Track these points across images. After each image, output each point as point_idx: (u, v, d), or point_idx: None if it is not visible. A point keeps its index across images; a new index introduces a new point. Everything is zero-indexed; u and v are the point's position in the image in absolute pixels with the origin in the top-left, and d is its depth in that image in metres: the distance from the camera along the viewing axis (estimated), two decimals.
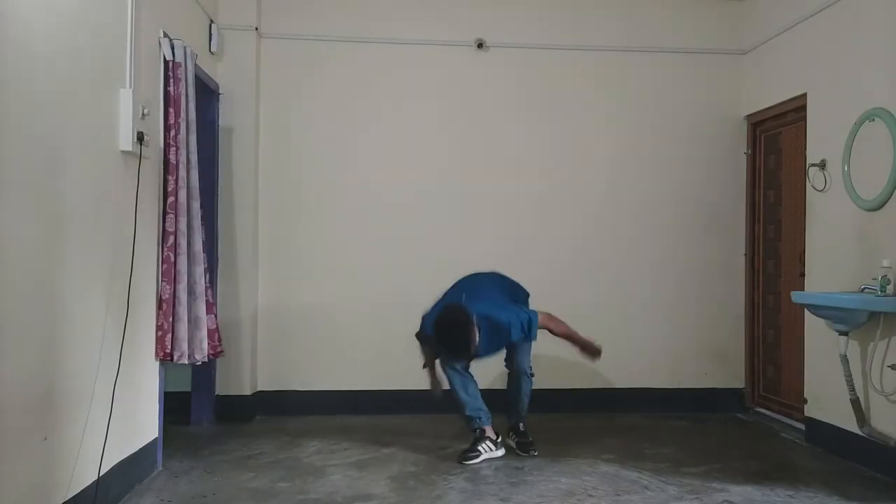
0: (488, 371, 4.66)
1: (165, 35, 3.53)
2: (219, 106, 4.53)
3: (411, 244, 4.80)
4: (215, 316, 3.92)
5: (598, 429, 4.45)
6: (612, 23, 4.96)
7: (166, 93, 3.54)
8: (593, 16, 4.96)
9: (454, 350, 3.69)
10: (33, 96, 2.39)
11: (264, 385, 4.71)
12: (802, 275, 4.30)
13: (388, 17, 4.84)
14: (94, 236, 2.85)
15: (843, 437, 3.85)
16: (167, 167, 3.51)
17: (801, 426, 4.30)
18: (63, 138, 2.60)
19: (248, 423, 4.50)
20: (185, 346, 3.55)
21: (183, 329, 3.55)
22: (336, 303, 4.77)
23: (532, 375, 4.02)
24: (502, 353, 4.01)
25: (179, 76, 3.55)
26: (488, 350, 3.82)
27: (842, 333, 3.68)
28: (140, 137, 3.13)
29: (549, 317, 3.96)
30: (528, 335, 3.82)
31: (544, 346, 4.84)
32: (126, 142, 3.05)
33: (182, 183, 3.54)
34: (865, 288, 3.62)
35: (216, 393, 4.50)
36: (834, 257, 3.99)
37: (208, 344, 3.74)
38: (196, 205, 3.67)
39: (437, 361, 4.00)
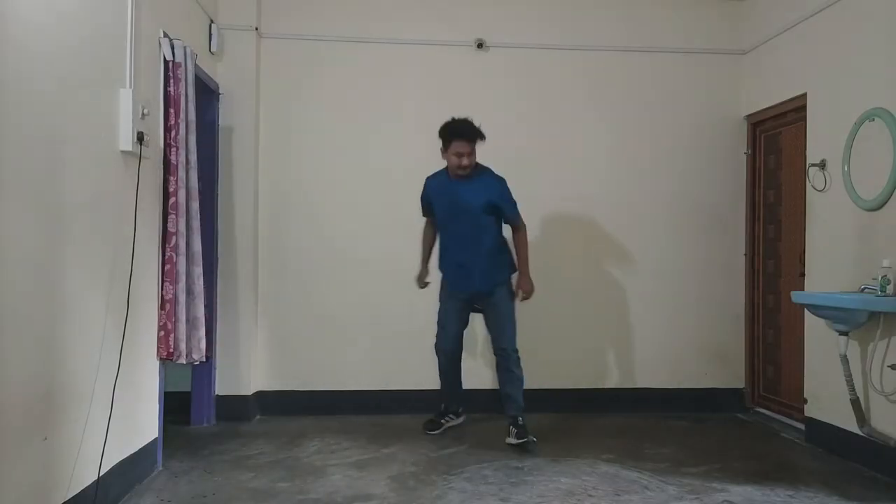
0: (485, 371, 4.68)
1: (165, 35, 3.53)
2: (219, 106, 4.53)
3: (411, 244, 4.80)
4: (211, 317, 3.92)
5: (598, 429, 4.45)
6: (612, 23, 4.96)
7: (166, 93, 3.54)
8: (593, 16, 4.96)
9: (465, 127, 3.93)
10: (33, 96, 2.40)
11: (264, 385, 4.71)
12: (802, 275, 4.30)
13: (388, 17, 4.84)
14: (94, 236, 2.86)
15: (843, 437, 3.85)
16: (168, 167, 3.51)
17: (801, 426, 4.30)
18: (63, 138, 2.60)
19: (248, 423, 4.50)
20: (183, 346, 3.56)
21: (182, 329, 3.56)
22: (336, 302, 4.77)
23: (516, 350, 4.07)
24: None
25: (179, 76, 3.55)
26: (483, 193, 3.99)
27: (842, 333, 3.68)
28: (140, 137, 3.13)
29: (524, 232, 4.17)
30: (512, 206, 4.07)
31: (544, 346, 4.86)
32: (126, 142, 3.05)
33: (182, 183, 3.54)
34: (865, 288, 3.62)
35: (216, 393, 4.50)
36: (834, 257, 3.99)
37: (205, 344, 3.75)
38: (195, 205, 3.67)
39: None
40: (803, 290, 4.23)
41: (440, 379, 4.35)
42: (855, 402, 3.66)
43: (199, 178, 3.77)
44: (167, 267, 3.50)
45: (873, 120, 3.66)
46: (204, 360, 3.74)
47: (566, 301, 4.91)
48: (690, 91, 5.00)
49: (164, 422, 3.63)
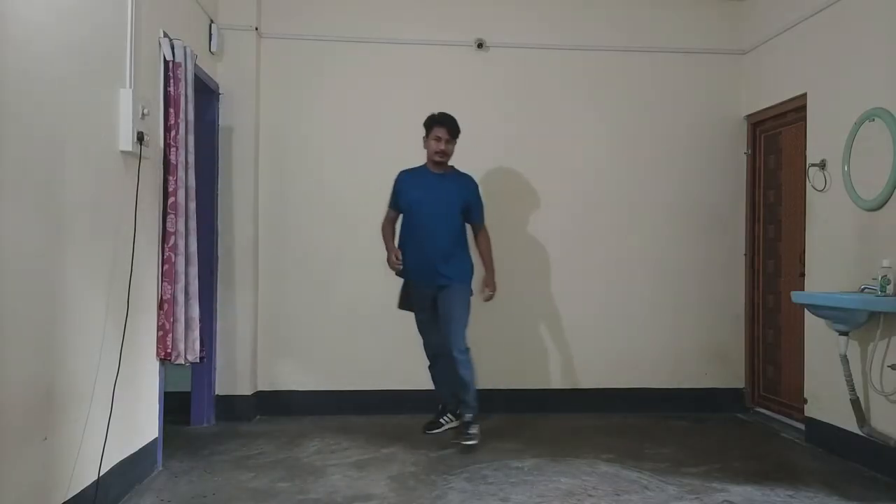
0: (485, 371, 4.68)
1: (165, 35, 3.53)
2: (219, 106, 4.53)
3: None
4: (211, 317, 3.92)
5: (598, 429, 4.45)
6: (612, 23, 4.96)
7: (166, 93, 3.54)
8: (593, 16, 4.96)
9: (446, 116, 4.09)
10: (33, 96, 2.40)
11: (264, 385, 4.71)
12: (802, 275, 4.30)
13: (388, 17, 4.84)
14: (94, 236, 2.85)
15: (843, 437, 3.85)
16: (167, 167, 3.51)
17: (801, 426, 4.30)
18: (63, 138, 2.60)
19: (248, 423, 4.50)
20: (180, 346, 3.56)
21: (180, 329, 3.56)
22: (336, 302, 4.77)
23: (468, 350, 4.04)
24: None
25: (179, 76, 3.55)
26: (463, 191, 4.14)
27: (842, 333, 3.68)
28: (140, 137, 3.13)
29: (488, 234, 4.28)
30: (482, 209, 4.24)
31: (544, 346, 4.86)
32: (126, 142, 3.05)
33: (181, 183, 3.54)
34: (865, 288, 3.62)
35: (216, 393, 4.50)
36: (834, 257, 3.99)
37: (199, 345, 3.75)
38: (193, 205, 3.67)
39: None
40: (803, 290, 4.23)
41: (433, 381, 4.37)
42: (855, 402, 3.66)
43: (199, 179, 3.77)
44: (166, 267, 3.50)
45: (873, 120, 3.66)
46: (198, 360, 3.74)
47: (565, 302, 4.91)
48: (690, 91, 5.00)
49: (164, 422, 3.63)
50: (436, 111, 4.23)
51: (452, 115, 4.15)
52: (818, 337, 4.07)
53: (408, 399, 4.67)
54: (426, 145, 4.16)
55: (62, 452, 2.61)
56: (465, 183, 4.20)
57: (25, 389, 2.38)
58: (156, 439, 3.54)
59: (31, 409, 2.41)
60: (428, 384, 4.44)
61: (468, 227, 4.25)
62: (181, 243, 3.55)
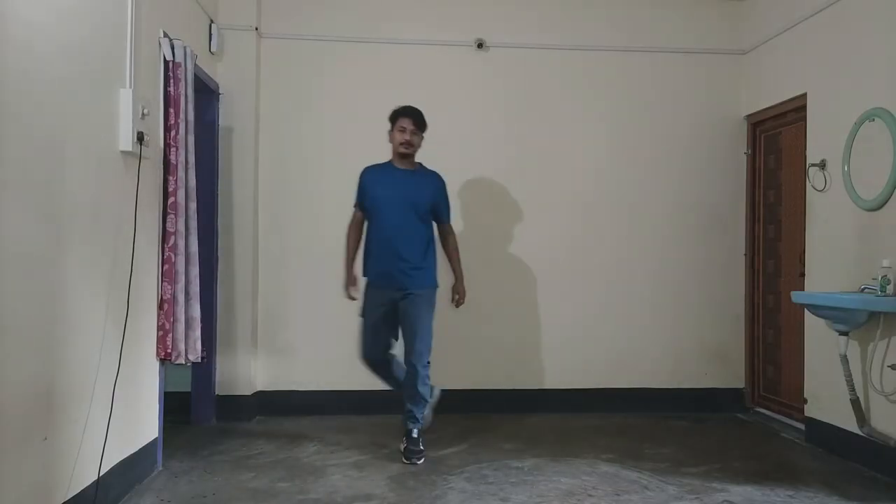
0: (482, 371, 4.68)
1: (165, 35, 3.53)
2: (219, 106, 4.53)
3: None
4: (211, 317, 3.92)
5: (598, 429, 4.45)
6: (612, 23, 4.96)
7: (166, 93, 3.54)
8: (593, 16, 4.96)
9: (411, 108, 3.96)
10: (33, 96, 2.40)
11: (264, 385, 4.71)
12: (802, 275, 4.30)
13: (387, 17, 4.84)
14: (94, 236, 2.85)
15: (843, 437, 3.85)
16: (167, 167, 3.51)
17: (801, 426, 4.30)
18: (63, 138, 2.60)
19: (248, 423, 4.50)
20: (181, 346, 3.56)
21: (180, 329, 3.56)
22: (336, 302, 4.74)
23: (428, 364, 3.82)
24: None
25: (179, 76, 3.55)
26: (431, 189, 3.96)
27: (842, 333, 3.68)
28: (140, 137, 3.13)
29: (455, 236, 4.12)
30: (448, 206, 4.05)
31: (542, 348, 4.86)
32: (126, 142, 3.05)
33: (181, 183, 3.54)
34: (865, 288, 3.62)
35: (216, 393, 4.50)
36: (834, 257, 3.99)
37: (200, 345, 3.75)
38: (193, 206, 3.67)
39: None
40: (803, 290, 4.23)
41: (388, 382, 4.06)
42: (855, 402, 3.66)
43: (199, 179, 3.77)
44: (166, 267, 3.50)
45: (873, 120, 3.66)
46: (199, 360, 3.74)
47: (565, 301, 4.91)
48: (690, 91, 5.00)
49: (164, 422, 3.63)
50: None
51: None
52: (818, 337, 4.07)
53: None
54: (391, 139, 3.97)
55: (62, 452, 2.61)
56: (433, 180, 4.00)
57: (25, 389, 2.38)
58: (156, 439, 3.54)
59: (31, 409, 2.41)
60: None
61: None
62: (181, 243, 3.55)
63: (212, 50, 4.44)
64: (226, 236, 4.55)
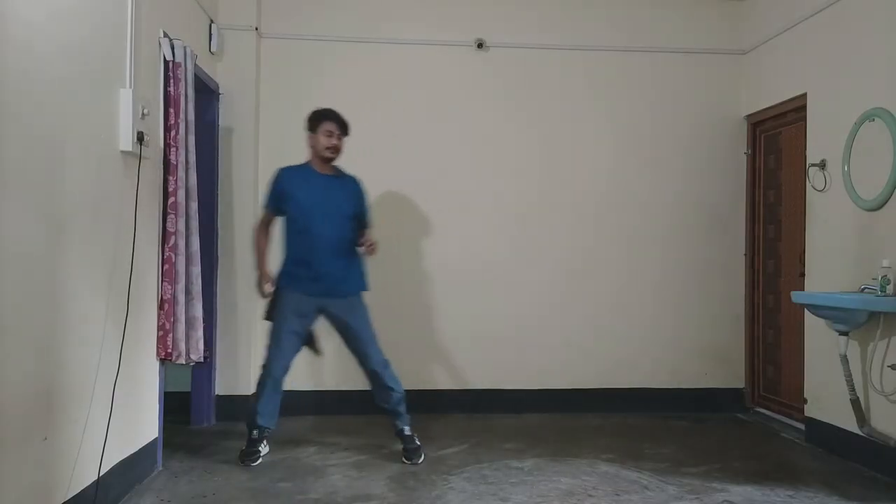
0: (481, 371, 4.67)
1: (165, 35, 3.53)
2: (219, 106, 4.53)
3: (409, 244, 4.81)
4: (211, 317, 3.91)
5: (598, 429, 4.45)
6: (612, 23, 4.96)
7: (166, 93, 3.54)
8: (593, 16, 4.96)
9: (335, 112, 3.83)
10: (33, 96, 2.39)
11: None
12: (802, 275, 4.30)
13: (387, 17, 4.84)
14: (94, 236, 2.85)
15: (843, 437, 3.85)
16: (167, 167, 3.51)
17: (801, 426, 4.30)
18: (63, 138, 2.60)
19: None
20: (182, 346, 3.56)
21: (181, 329, 3.56)
22: None
23: (388, 361, 3.82)
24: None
25: (179, 76, 3.55)
26: (354, 195, 3.86)
27: (842, 333, 3.68)
28: (140, 137, 3.13)
29: None
30: (368, 207, 3.94)
31: (543, 348, 4.86)
32: (126, 142, 3.05)
33: (181, 183, 3.54)
34: (865, 288, 3.62)
35: (216, 393, 4.50)
36: (834, 257, 3.99)
37: (202, 345, 3.75)
38: (194, 205, 3.67)
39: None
40: (803, 290, 4.23)
41: (260, 400, 3.79)
42: (855, 402, 3.66)
43: (199, 179, 3.77)
44: (166, 267, 3.50)
45: (873, 120, 3.66)
46: (201, 360, 3.74)
47: (565, 301, 4.91)
48: (690, 91, 5.00)
49: (164, 422, 3.63)
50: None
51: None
52: (818, 337, 4.07)
53: (408, 399, 4.66)
54: (313, 142, 3.80)
55: (62, 452, 2.61)
56: (356, 187, 3.89)
57: (25, 389, 2.38)
58: (156, 439, 3.54)
59: (31, 409, 2.41)
60: (427, 384, 4.43)
61: None
62: (181, 243, 3.55)
63: (212, 50, 4.44)
64: (226, 236, 4.55)
